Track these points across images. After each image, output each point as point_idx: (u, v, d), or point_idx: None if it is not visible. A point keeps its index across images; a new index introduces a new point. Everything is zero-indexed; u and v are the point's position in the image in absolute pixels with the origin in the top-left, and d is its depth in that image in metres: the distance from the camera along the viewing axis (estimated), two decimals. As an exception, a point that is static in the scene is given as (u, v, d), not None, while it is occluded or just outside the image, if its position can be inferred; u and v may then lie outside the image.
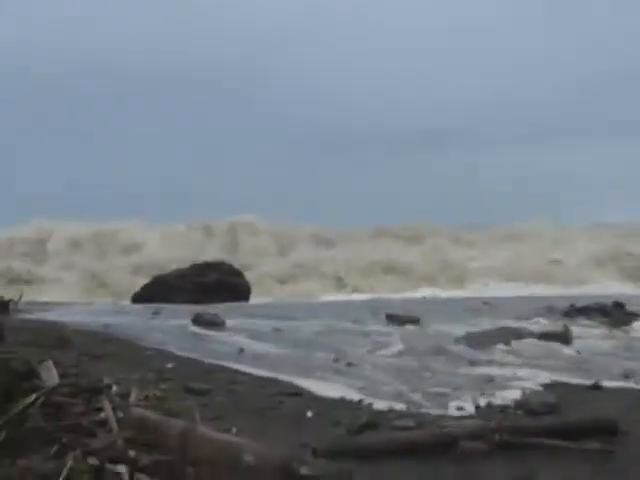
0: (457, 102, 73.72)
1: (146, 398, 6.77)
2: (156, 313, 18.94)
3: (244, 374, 10.20)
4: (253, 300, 28.04)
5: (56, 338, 11.52)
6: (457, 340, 13.05)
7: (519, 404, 8.12)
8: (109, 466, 4.97)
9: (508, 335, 12.92)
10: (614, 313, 17.28)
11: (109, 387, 6.82)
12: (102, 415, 6.05)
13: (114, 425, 5.71)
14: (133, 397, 6.59)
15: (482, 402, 8.35)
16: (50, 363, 7.56)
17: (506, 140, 68.72)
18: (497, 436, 6.43)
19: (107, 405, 6.09)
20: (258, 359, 11.42)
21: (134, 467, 4.90)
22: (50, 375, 7.23)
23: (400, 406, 8.17)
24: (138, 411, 5.82)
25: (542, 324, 15.14)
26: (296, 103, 72.79)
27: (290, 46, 78.85)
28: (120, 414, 5.94)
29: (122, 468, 4.98)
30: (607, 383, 9.43)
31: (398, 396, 8.73)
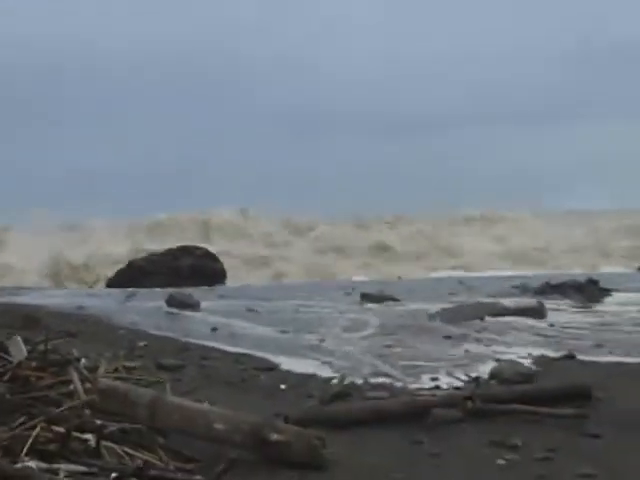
0: (437, 88, 73.21)
1: (115, 370, 6.67)
2: (130, 296, 18.76)
3: (218, 351, 10.12)
4: (229, 284, 27.85)
5: (26, 318, 11.33)
6: (431, 316, 13.02)
7: (493, 374, 8.10)
8: (75, 434, 4.88)
9: (482, 310, 12.93)
10: (588, 289, 17.31)
11: (77, 360, 6.70)
12: (70, 387, 5.97)
13: (81, 394, 5.62)
14: (102, 370, 6.48)
15: (457, 374, 8.33)
16: (18, 338, 7.44)
17: (484, 124, 68.52)
18: (470, 404, 6.40)
19: (74, 375, 5.99)
20: (232, 337, 11.34)
21: (101, 434, 4.81)
22: (18, 350, 7.13)
23: (373, 379, 8.15)
24: (106, 381, 5.73)
25: (516, 300, 15.13)
26: (277, 85, 72.12)
27: (272, 26, 78.07)
28: (88, 385, 5.86)
29: (89, 435, 4.90)
30: (580, 354, 9.45)
31: (372, 370, 8.69)
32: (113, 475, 4.15)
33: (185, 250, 29.07)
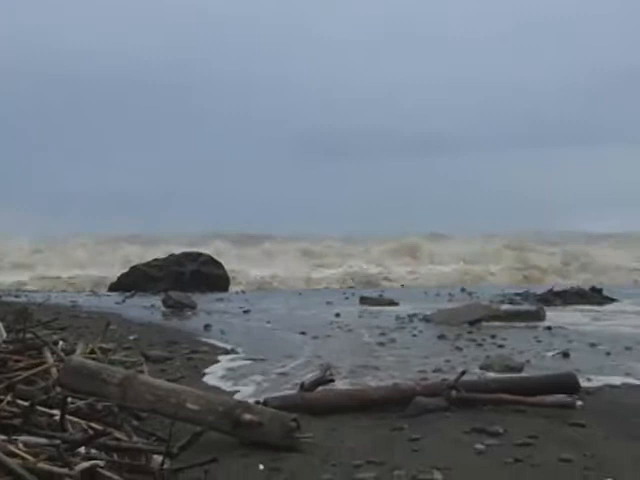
0: (455, 106, 72.78)
1: (92, 352, 6.56)
2: (129, 297, 18.71)
3: (207, 345, 10.03)
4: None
5: (18, 313, 11.22)
6: (426, 317, 12.88)
7: (483, 366, 7.97)
8: (41, 408, 4.76)
9: (478, 313, 12.72)
10: (591, 296, 17.16)
11: (55, 343, 6.60)
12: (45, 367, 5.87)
13: (53, 372, 5.52)
14: (78, 351, 6.38)
15: (445, 369, 8.19)
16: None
17: (510, 144, 68.19)
18: (454, 392, 6.26)
19: (49, 356, 5.90)
20: (224, 334, 11.23)
21: (64, 409, 4.67)
22: (-3, 334, 7.06)
23: (360, 370, 8.02)
24: (78, 359, 5.62)
25: (516, 305, 14.99)
26: (289, 108, 72.02)
27: (284, 51, 78.16)
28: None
29: (55, 411, 4.78)
30: (574, 353, 9.30)
31: (359, 363, 8.55)
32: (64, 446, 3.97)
33: (188, 256, 28.92)
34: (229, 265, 29.57)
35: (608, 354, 9.38)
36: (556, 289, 17.91)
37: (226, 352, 9.48)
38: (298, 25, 78.26)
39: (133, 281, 27.03)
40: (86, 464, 3.69)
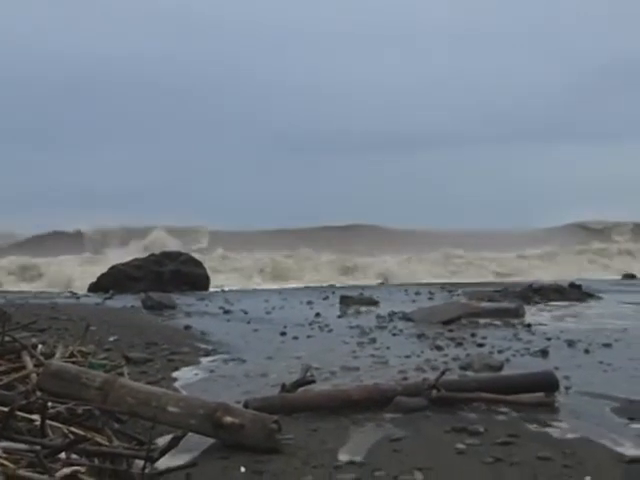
0: (430, 106, 72.91)
1: (71, 355, 6.54)
2: (108, 298, 18.63)
3: (188, 346, 10.00)
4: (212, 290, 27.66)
5: (-4, 314, 11.14)
6: (406, 316, 12.91)
7: (463, 366, 8.01)
8: (20, 413, 4.74)
9: (458, 311, 12.80)
10: (570, 293, 17.28)
11: (34, 347, 6.56)
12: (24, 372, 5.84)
13: (33, 377, 5.49)
14: (58, 355, 6.35)
15: (425, 367, 8.23)
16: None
17: (478, 142, 68.48)
18: (435, 392, 6.30)
19: (27, 359, 5.87)
20: (204, 334, 11.21)
21: (44, 414, 4.65)
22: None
23: (340, 372, 8.04)
24: (57, 363, 5.59)
25: (495, 302, 15.05)
26: (264, 106, 71.87)
27: (260, 48, 77.91)
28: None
29: (35, 416, 4.76)
30: (553, 350, 9.37)
31: (340, 364, 8.56)
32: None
33: (168, 256, 28.84)
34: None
35: (587, 352, 9.43)
36: (535, 286, 18.00)
37: (207, 353, 9.49)
38: (292, 25, 78.07)
39: (112, 281, 26.93)
40: (67, 470, 3.68)
